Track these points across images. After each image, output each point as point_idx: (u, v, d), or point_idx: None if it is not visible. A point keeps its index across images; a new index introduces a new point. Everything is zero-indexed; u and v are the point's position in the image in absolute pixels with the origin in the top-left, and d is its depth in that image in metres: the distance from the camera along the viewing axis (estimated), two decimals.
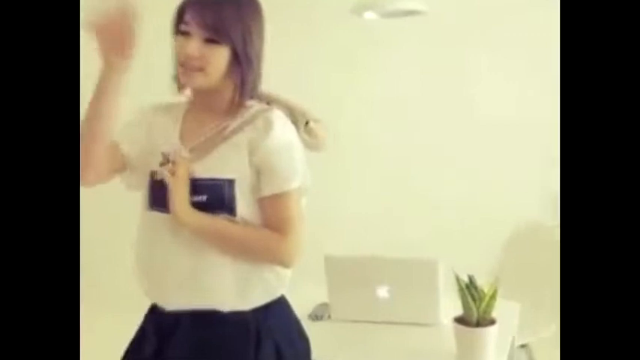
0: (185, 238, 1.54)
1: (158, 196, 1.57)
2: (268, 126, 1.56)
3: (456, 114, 3.81)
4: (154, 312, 1.65)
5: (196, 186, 1.54)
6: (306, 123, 1.66)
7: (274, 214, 1.58)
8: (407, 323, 2.31)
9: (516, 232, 3.70)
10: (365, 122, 3.91)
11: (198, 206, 1.53)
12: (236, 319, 1.57)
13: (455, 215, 3.76)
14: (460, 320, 2.04)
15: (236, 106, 1.60)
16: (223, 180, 1.54)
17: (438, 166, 3.86)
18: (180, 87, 1.64)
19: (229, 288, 1.57)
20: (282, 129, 1.58)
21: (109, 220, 3.59)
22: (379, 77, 3.88)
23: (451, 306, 2.15)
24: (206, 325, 1.57)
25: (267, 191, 1.58)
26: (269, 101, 1.68)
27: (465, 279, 2.00)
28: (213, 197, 1.54)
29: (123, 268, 3.45)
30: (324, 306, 2.44)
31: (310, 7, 3.81)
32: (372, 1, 2.69)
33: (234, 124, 1.58)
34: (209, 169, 1.56)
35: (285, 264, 1.61)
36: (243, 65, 1.56)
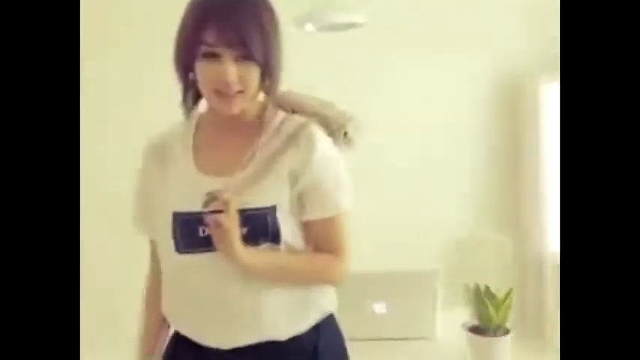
0: (234, 275, 1.43)
1: (192, 237, 1.44)
2: (312, 147, 1.45)
3: (394, 123, 3.70)
4: (193, 347, 1.52)
5: (240, 218, 1.40)
6: (345, 134, 1.57)
7: (326, 237, 1.50)
8: (403, 338, 2.26)
9: (457, 239, 3.66)
10: None
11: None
12: (293, 344, 1.48)
13: (392, 225, 3.65)
14: (475, 330, 2.01)
15: (266, 121, 1.50)
16: (266, 208, 1.42)
17: (382, 178, 3.73)
18: (189, 110, 1.53)
19: (286, 317, 1.48)
20: (324, 147, 1.48)
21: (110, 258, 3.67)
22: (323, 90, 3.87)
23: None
24: (267, 356, 1.47)
25: (317, 215, 1.48)
26: (295, 108, 1.56)
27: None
28: (256, 228, 1.42)
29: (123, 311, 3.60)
30: None
31: None
32: (310, 14, 2.65)
33: (271, 144, 1.47)
34: (250, 196, 1.42)
35: (337, 284, 1.55)
36: (273, 78, 1.46)
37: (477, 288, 2.00)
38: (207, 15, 1.39)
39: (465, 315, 2.25)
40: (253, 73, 1.40)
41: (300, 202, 1.47)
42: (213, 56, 1.38)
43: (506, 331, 1.99)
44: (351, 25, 2.73)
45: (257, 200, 1.42)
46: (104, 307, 3.42)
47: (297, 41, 3.52)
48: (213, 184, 1.42)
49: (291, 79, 3.93)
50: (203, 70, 1.41)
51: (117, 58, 3.49)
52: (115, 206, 3.49)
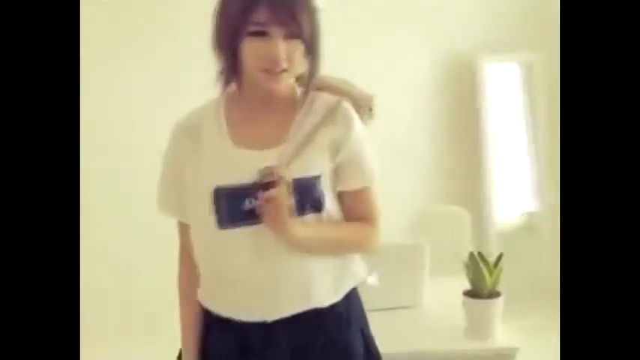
0: (280, 247, 1.47)
1: (236, 211, 1.46)
2: (349, 123, 1.53)
3: None
4: (229, 327, 1.54)
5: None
6: (370, 109, 1.64)
7: (361, 206, 1.58)
8: (392, 308, 2.31)
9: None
10: None
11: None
12: (331, 310, 1.55)
13: None
14: (469, 294, 2.10)
15: (301, 98, 1.54)
16: (313, 177, 1.48)
17: None
18: (225, 84, 1.54)
19: (328, 286, 1.54)
20: (359, 123, 1.56)
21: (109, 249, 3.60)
22: None
23: None
24: (308, 323, 1.52)
25: (353, 185, 1.56)
26: (320, 86, 1.59)
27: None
28: (304, 197, 1.47)
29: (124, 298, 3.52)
30: None
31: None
32: None
33: (307, 120, 1.51)
34: (296, 167, 1.47)
35: (372, 251, 1.62)
36: (316, 57, 1.50)
37: (472, 254, 2.08)
38: None
39: (440, 283, 2.39)
40: (299, 51, 1.44)
41: (336, 174, 1.53)
42: (261, 34, 1.41)
43: (498, 294, 2.09)
44: None
45: (304, 170, 1.47)
46: (104, 307, 3.42)
47: None
48: (251, 157, 1.47)
49: None
50: (251, 49, 1.43)
51: (116, 58, 3.47)
52: (115, 206, 3.48)
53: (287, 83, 1.50)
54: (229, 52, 1.47)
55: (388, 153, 3.79)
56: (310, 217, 1.49)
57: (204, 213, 1.48)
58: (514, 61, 4.15)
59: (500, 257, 2.10)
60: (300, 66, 1.49)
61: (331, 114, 1.52)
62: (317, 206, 1.49)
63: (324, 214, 1.51)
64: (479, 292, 2.08)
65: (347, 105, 1.55)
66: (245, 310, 1.52)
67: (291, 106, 1.54)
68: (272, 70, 1.43)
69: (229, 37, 1.45)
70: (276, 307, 1.50)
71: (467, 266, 2.09)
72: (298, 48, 1.44)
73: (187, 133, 1.54)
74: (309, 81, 1.53)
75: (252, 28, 1.41)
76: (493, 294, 2.08)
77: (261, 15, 1.40)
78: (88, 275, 2.68)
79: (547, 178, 4.05)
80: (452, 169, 4.01)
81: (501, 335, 2.08)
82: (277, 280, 1.49)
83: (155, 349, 3.27)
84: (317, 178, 1.48)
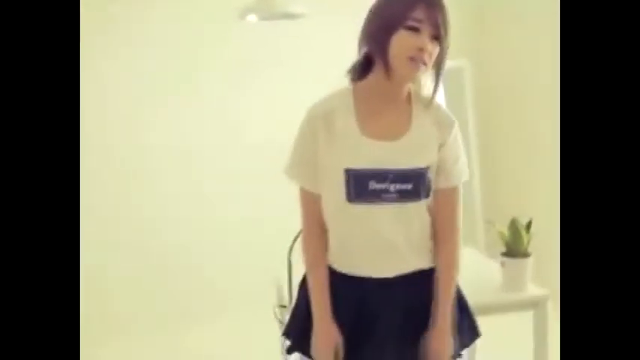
0: (398, 220, 1.70)
1: (362, 190, 1.68)
2: (451, 124, 1.73)
3: None
4: (352, 283, 1.76)
5: (405, 176, 1.67)
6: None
7: (449, 206, 1.75)
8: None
9: None
10: (250, 123, 3.89)
11: (403, 193, 1.68)
12: (431, 271, 1.76)
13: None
14: (507, 255, 2.31)
15: (415, 98, 1.73)
16: (425, 168, 1.68)
17: None
18: (355, 79, 1.75)
19: (429, 251, 1.76)
20: (456, 124, 1.74)
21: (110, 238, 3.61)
22: (269, 79, 3.88)
23: None
24: (417, 280, 1.74)
25: (447, 183, 1.73)
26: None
27: None
28: (418, 184, 1.68)
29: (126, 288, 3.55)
30: None
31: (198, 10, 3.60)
32: (253, 5, 2.69)
33: (422, 118, 1.72)
34: (413, 158, 1.69)
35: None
36: (443, 64, 1.70)
37: (513, 221, 2.29)
38: None
39: None
40: (436, 52, 1.66)
41: (435, 171, 1.71)
42: (414, 30, 1.63)
43: (529, 254, 2.31)
44: (293, 16, 2.78)
45: (419, 161, 1.69)
46: (104, 306, 3.47)
47: (240, 31, 3.42)
48: (376, 146, 1.69)
49: (236, 67, 3.77)
50: (404, 39, 1.64)
51: (115, 57, 3.49)
52: (115, 207, 3.41)
53: (421, 75, 1.69)
54: (381, 41, 1.66)
55: None
56: (422, 202, 1.69)
57: (336, 188, 1.70)
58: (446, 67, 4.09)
59: (530, 223, 2.32)
60: (429, 69, 1.67)
61: (438, 116, 1.73)
62: (427, 193, 1.70)
63: (423, 203, 1.70)
64: (516, 252, 2.29)
65: (445, 108, 1.75)
66: (370, 268, 1.74)
67: (407, 104, 1.74)
68: (417, 58, 1.62)
69: (388, 28, 1.65)
70: (395, 266, 1.73)
71: (501, 233, 2.32)
72: (437, 50, 1.65)
73: (323, 117, 1.73)
74: (437, 82, 1.72)
75: (410, 23, 1.62)
76: (527, 254, 2.30)
77: (419, 13, 1.62)
78: (88, 275, 2.75)
79: (475, 178, 4.32)
80: None
81: (532, 287, 2.34)
82: (397, 245, 1.71)
83: (155, 347, 3.33)
84: (428, 168, 1.69)
